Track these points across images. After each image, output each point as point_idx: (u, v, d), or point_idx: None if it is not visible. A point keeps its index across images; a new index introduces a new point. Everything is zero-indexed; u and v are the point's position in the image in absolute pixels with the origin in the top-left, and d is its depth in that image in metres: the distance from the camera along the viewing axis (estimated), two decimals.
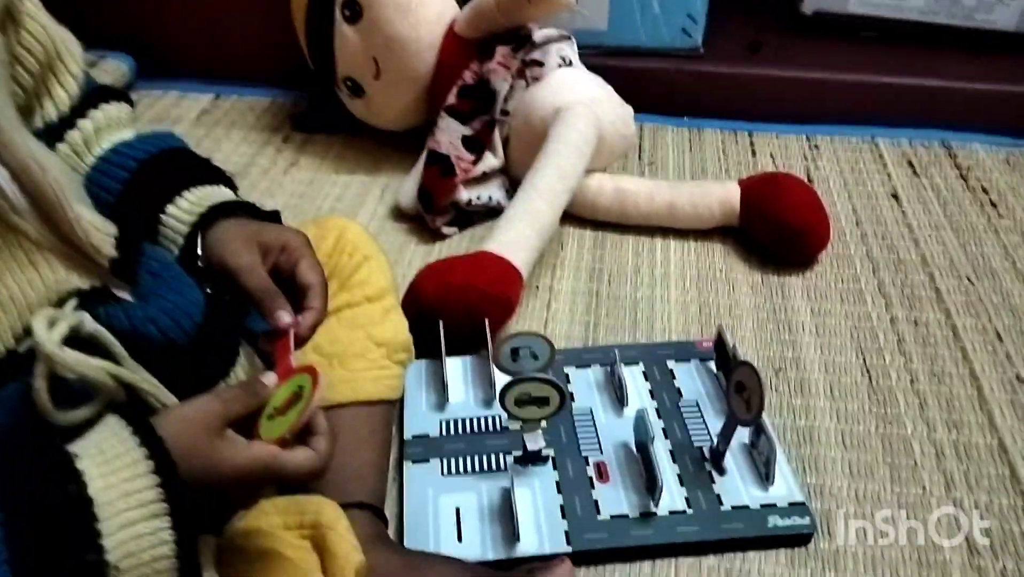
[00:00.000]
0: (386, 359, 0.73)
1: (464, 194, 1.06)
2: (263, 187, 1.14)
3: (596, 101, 1.05)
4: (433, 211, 1.05)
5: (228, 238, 0.58)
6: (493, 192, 1.08)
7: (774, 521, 0.69)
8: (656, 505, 0.70)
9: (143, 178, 0.61)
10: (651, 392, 0.82)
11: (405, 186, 1.09)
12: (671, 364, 0.85)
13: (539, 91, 1.06)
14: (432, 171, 1.05)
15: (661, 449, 0.75)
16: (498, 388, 0.74)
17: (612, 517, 0.70)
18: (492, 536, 0.68)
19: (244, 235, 0.58)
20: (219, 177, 0.65)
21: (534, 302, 0.96)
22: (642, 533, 0.69)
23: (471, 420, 0.79)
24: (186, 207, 0.60)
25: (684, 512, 0.70)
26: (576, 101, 1.03)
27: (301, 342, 0.56)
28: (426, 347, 0.82)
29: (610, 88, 1.09)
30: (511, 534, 0.67)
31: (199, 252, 0.58)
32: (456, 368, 0.84)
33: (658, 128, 1.30)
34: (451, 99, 1.08)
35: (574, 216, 1.06)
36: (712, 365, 0.85)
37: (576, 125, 1.00)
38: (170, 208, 0.60)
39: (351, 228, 0.78)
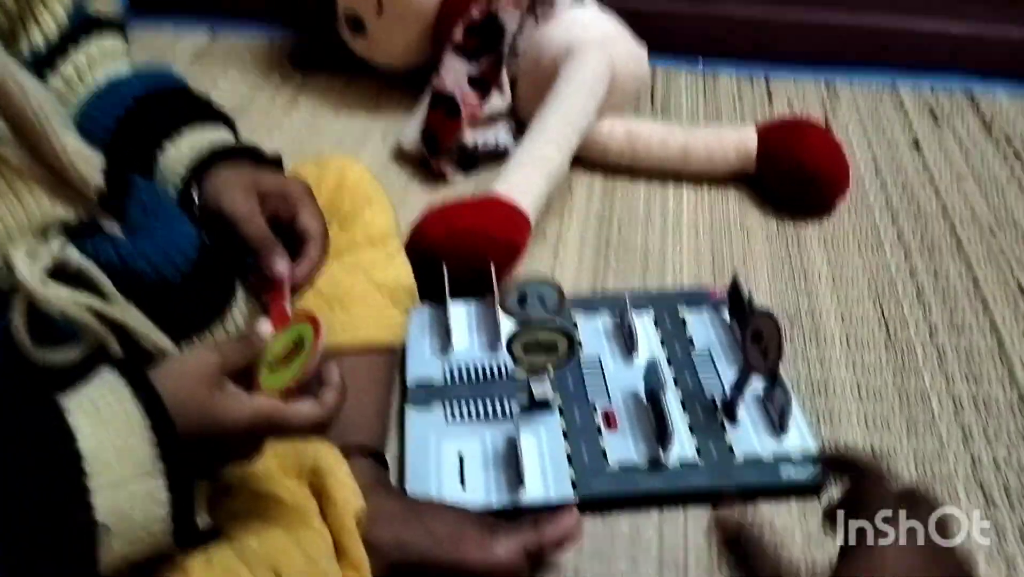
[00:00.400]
0: (388, 304, 0.71)
1: (470, 137, 1.02)
2: (262, 128, 1.11)
3: (609, 40, 1.00)
4: (437, 154, 1.01)
5: (226, 185, 0.56)
6: (499, 136, 1.04)
7: (787, 472, 0.67)
8: (666, 454, 0.68)
9: (140, 115, 0.59)
10: (662, 341, 0.79)
11: (408, 128, 1.05)
12: (683, 312, 0.82)
13: (549, 29, 1.02)
14: (437, 112, 1.01)
15: (672, 398, 0.73)
16: (504, 334, 0.72)
17: (620, 466, 0.68)
18: (496, 483, 0.66)
19: (243, 182, 0.56)
20: (219, 117, 0.62)
21: (541, 249, 0.93)
22: (651, 482, 0.67)
23: (476, 366, 0.76)
24: (185, 148, 0.57)
25: (695, 462, 0.68)
26: (588, 40, 0.98)
27: (295, 291, 0.54)
28: (429, 292, 0.79)
29: (623, 27, 1.04)
30: (515, 481, 0.66)
31: (195, 198, 0.56)
32: (460, 313, 0.81)
33: (671, 72, 1.26)
34: (457, 36, 1.03)
35: (584, 160, 1.03)
36: (725, 314, 0.82)
37: (588, 64, 0.96)
38: (167, 147, 0.57)
39: (353, 168, 0.75)
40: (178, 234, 0.52)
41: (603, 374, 0.76)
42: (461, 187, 1.02)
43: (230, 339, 0.49)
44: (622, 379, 0.75)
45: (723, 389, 0.74)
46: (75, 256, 0.45)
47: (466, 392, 0.74)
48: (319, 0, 1.11)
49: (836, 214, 0.99)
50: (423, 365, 0.76)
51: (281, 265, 0.53)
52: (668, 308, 0.83)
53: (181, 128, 0.58)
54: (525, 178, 0.88)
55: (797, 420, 0.71)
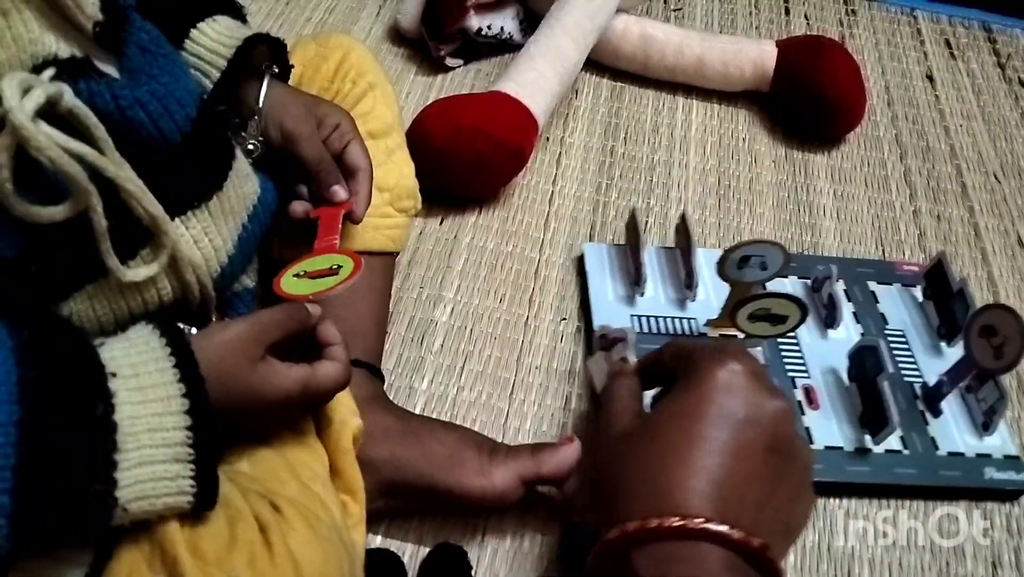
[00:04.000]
0: (388, 206, 0.66)
1: (474, 21, 0.94)
2: None
3: None
4: (438, 38, 0.93)
5: (288, 102, 0.57)
6: (506, 23, 0.96)
7: (990, 473, 0.64)
8: (877, 443, 0.64)
9: None
10: (855, 315, 0.74)
11: (407, 5, 0.97)
12: (872, 285, 0.77)
13: None
14: None
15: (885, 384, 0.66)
16: (702, 291, 0.71)
17: (826, 448, 0.64)
18: None
19: (304, 103, 0.58)
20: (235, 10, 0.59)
21: (543, 155, 0.88)
22: (858, 469, 0.63)
23: (663, 319, 0.71)
24: (223, 31, 0.54)
25: (900, 452, 0.65)
26: None
27: (353, 221, 0.58)
28: (429, 193, 0.74)
29: None
30: None
31: (261, 101, 0.56)
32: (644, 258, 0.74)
33: None
34: None
35: (592, 61, 0.96)
36: (916, 292, 0.77)
37: None
38: (203, 27, 0.54)
39: (356, 49, 0.68)
40: (180, 87, 0.46)
41: (800, 346, 0.71)
42: (460, 76, 0.95)
43: (274, 312, 0.46)
44: (819, 353, 0.71)
45: (920, 375, 0.70)
46: (69, 96, 0.39)
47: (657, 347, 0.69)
48: None
49: (845, 145, 0.96)
50: (608, 311, 0.71)
51: (341, 192, 0.56)
52: (856, 278, 0.78)
53: (214, 12, 0.56)
54: (538, 75, 0.82)
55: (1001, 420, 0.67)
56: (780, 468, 0.42)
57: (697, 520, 0.38)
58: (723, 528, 0.38)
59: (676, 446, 0.42)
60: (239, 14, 0.59)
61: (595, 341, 0.65)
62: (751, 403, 0.43)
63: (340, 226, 0.55)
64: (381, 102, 0.68)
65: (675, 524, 0.38)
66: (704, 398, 0.43)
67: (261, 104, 0.55)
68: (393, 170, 0.67)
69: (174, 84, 0.46)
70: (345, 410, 0.52)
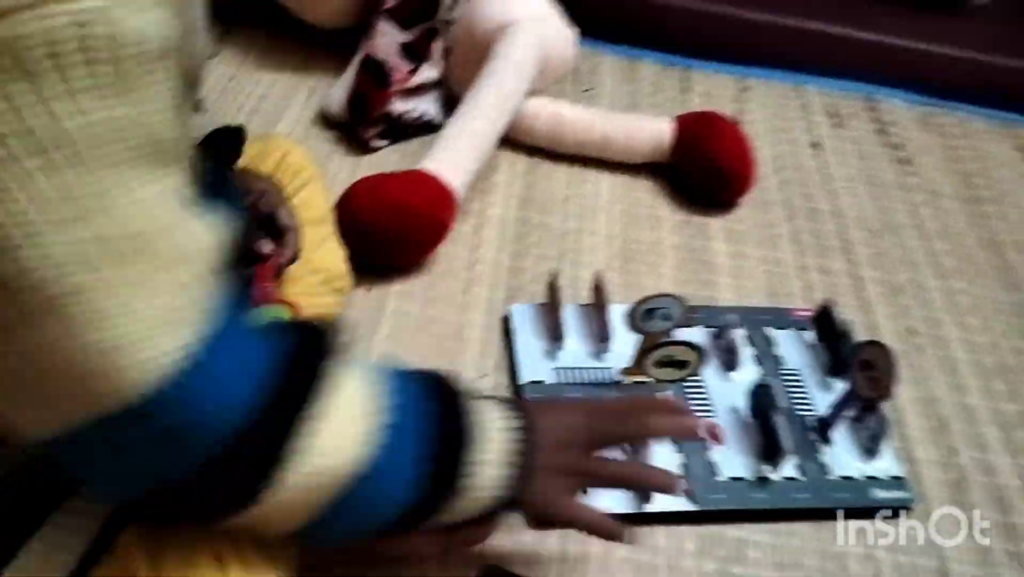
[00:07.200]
0: (322, 286, 0.72)
1: (397, 106, 1.02)
2: None
3: (542, 20, 1.02)
4: (364, 122, 1.01)
5: None
6: (428, 107, 1.05)
7: (877, 493, 0.72)
8: (777, 471, 0.71)
9: None
10: (756, 358, 0.82)
11: (334, 91, 1.05)
12: (768, 331, 0.86)
13: (485, 2, 1.02)
14: (366, 78, 1.01)
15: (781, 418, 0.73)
16: (616, 343, 0.78)
17: (731, 478, 0.71)
18: (622, 491, 0.68)
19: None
20: None
21: (464, 226, 0.95)
22: (760, 497, 0.71)
23: (583, 369, 0.78)
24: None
25: (797, 479, 0.72)
26: (523, 17, 1.00)
27: (278, 273, 0.64)
28: (355, 264, 0.80)
29: (555, 7, 1.06)
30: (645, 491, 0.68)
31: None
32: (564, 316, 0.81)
33: (596, 54, 1.28)
34: (391, 0, 1.03)
35: (508, 139, 1.05)
36: (807, 335, 0.86)
37: (522, 44, 0.97)
38: None
39: (296, 151, 0.77)
40: None
41: (705, 387, 0.78)
42: (385, 156, 1.02)
43: None
44: (723, 393, 0.78)
45: (813, 408, 0.78)
46: None
47: (578, 395, 0.75)
48: None
49: (739, 208, 1.06)
50: (534, 365, 0.78)
51: (267, 244, 0.63)
52: (755, 325, 0.86)
53: None
54: (456, 154, 0.89)
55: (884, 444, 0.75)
56: None
57: None
58: None
59: None
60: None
61: None
62: None
63: (274, 275, 0.62)
64: (317, 194, 0.76)
65: None
66: None
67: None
68: (327, 255, 0.75)
69: None
70: None
